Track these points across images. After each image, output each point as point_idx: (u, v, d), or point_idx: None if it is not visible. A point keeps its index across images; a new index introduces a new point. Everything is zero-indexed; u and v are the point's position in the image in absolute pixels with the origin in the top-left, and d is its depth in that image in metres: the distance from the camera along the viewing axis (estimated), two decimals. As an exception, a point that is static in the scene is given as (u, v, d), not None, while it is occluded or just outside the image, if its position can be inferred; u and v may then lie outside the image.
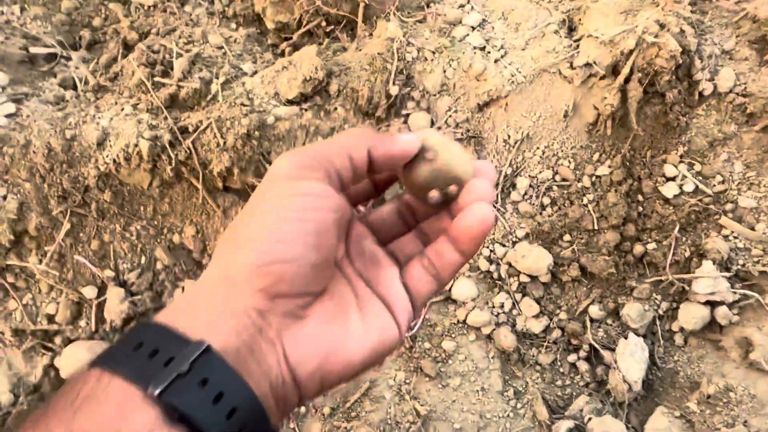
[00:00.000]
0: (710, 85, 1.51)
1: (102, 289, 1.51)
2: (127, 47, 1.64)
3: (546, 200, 1.55)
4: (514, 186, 1.56)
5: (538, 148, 1.55)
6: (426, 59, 1.59)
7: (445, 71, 1.58)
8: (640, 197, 1.56)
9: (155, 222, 1.55)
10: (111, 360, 0.37)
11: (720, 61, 1.54)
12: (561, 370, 1.54)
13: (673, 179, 1.55)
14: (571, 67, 1.51)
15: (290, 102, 1.52)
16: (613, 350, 1.50)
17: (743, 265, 1.48)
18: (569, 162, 1.55)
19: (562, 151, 1.54)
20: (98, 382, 0.36)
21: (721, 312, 1.45)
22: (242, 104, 1.47)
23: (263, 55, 1.68)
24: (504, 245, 1.55)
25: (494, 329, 1.52)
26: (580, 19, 1.55)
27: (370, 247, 0.51)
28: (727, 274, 1.46)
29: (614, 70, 1.47)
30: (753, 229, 1.49)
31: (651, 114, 1.50)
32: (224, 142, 1.41)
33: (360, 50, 1.58)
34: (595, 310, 1.54)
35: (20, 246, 1.47)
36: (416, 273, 0.49)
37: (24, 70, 1.60)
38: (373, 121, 1.56)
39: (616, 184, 1.53)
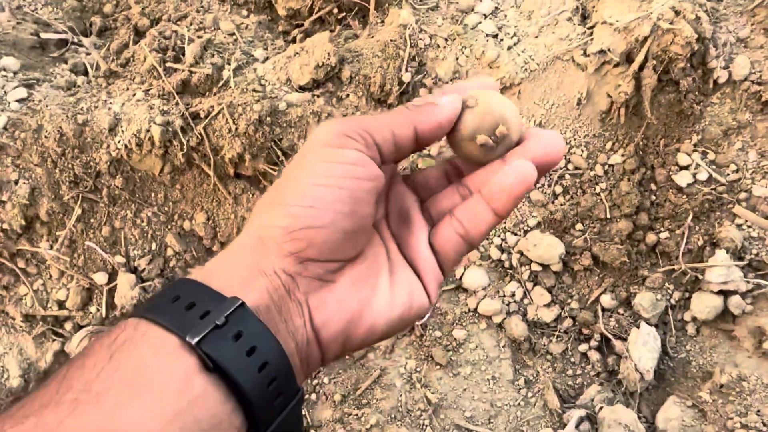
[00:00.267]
0: (725, 73, 1.50)
1: (113, 275, 1.51)
2: (138, 33, 1.64)
3: (558, 189, 1.55)
4: (526, 174, 1.55)
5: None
6: (438, 46, 1.58)
7: (457, 58, 1.57)
8: (653, 186, 1.55)
9: (166, 208, 1.55)
10: (149, 310, 0.38)
11: (735, 49, 1.53)
12: (572, 359, 1.54)
13: (686, 168, 1.54)
14: (585, 54, 1.50)
15: (302, 88, 1.51)
16: (624, 340, 1.49)
17: (757, 255, 1.47)
18: (582, 150, 1.54)
19: (574, 139, 1.53)
20: (136, 329, 0.37)
21: (734, 301, 1.44)
22: (254, 90, 1.47)
23: (275, 41, 1.67)
24: (516, 234, 1.54)
25: (505, 318, 1.51)
26: (594, 6, 1.54)
27: (406, 206, 0.50)
28: (741, 264, 1.45)
29: (628, 57, 1.46)
30: (767, 218, 1.48)
31: (665, 102, 1.49)
32: (236, 128, 1.41)
33: (372, 37, 1.58)
34: (606, 300, 1.53)
35: (31, 231, 1.47)
36: (445, 232, 0.48)
37: (35, 55, 1.59)
38: (385, 108, 1.55)
39: (629, 173, 1.52)
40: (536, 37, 1.58)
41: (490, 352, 1.50)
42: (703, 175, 1.52)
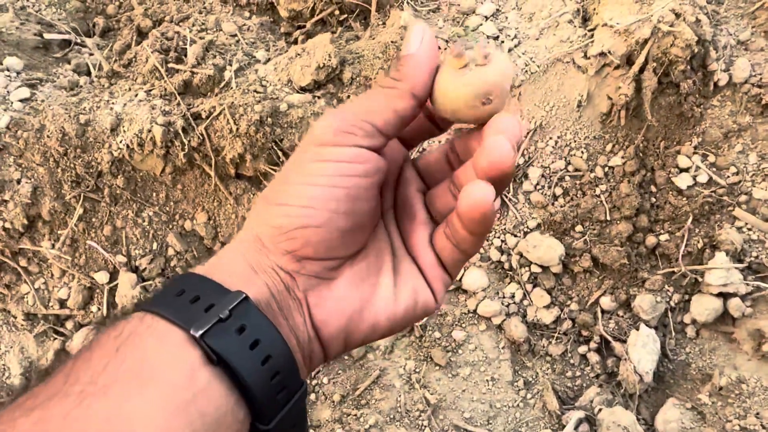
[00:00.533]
0: (725, 75, 1.50)
1: (114, 275, 1.52)
2: (141, 34, 1.65)
3: (558, 190, 1.55)
4: (526, 176, 1.56)
5: (550, 138, 1.54)
6: (439, 48, 1.58)
7: (458, 60, 1.57)
8: (653, 188, 1.55)
9: (167, 208, 1.56)
10: (154, 304, 0.38)
11: (735, 51, 1.53)
12: (571, 361, 1.54)
13: (686, 170, 1.54)
14: (585, 56, 1.50)
15: (303, 89, 1.52)
16: (624, 342, 1.49)
17: (756, 257, 1.47)
18: (582, 152, 1.54)
19: (575, 141, 1.54)
20: (141, 322, 0.37)
21: (734, 304, 1.44)
22: (255, 91, 1.47)
23: (276, 43, 1.68)
24: (515, 235, 1.54)
25: (505, 319, 1.51)
26: (594, 9, 1.55)
27: (411, 196, 0.49)
28: (740, 266, 1.45)
29: (629, 59, 1.46)
30: (767, 221, 1.48)
31: (665, 104, 1.50)
32: (237, 129, 1.42)
33: (373, 39, 1.58)
34: (606, 302, 1.53)
35: (33, 230, 1.47)
36: (441, 241, 0.46)
37: (38, 55, 1.60)
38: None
39: (629, 175, 1.52)
40: (537, 39, 1.58)
41: (490, 353, 1.50)
42: (703, 178, 1.52)
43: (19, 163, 1.42)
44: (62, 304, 1.51)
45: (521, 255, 1.53)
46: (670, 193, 1.53)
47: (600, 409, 1.41)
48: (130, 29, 1.65)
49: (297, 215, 0.41)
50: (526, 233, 1.54)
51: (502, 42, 1.59)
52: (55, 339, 1.51)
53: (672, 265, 1.53)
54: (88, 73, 1.60)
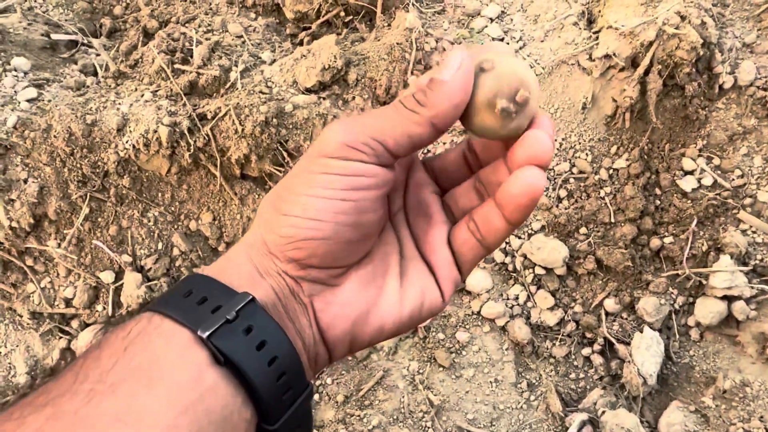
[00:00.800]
0: (731, 78, 1.50)
1: (119, 274, 1.52)
2: (147, 35, 1.66)
3: (563, 192, 1.55)
4: (530, 178, 1.56)
5: (555, 140, 1.54)
6: (444, 50, 1.59)
7: (463, 62, 1.57)
8: (657, 190, 1.55)
9: (173, 208, 1.56)
10: (162, 305, 0.39)
11: (741, 54, 1.53)
12: (575, 363, 1.54)
13: (691, 173, 1.54)
14: (590, 58, 1.51)
15: (308, 90, 1.53)
16: (628, 344, 1.49)
17: (761, 260, 1.46)
18: (587, 154, 1.54)
19: (579, 143, 1.54)
20: (149, 322, 0.38)
21: (738, 307, 1.44)
22: (261, 92, 1.48)
23: (282, 44, 1.69)
24: (519, 237, 1.55)
25: (508, 321, 1.51)
26: (599, 11, 1.55)
27: (426, 199, 0.48)
28: (745, 269, 1.45)
29: (634, 62, 1.46)
30: (772, 224, 1.48)
31: (670, 107, 1.50)
32: (242, 130, 1.42)
33: (378, 40, 1.59)
34: (610, 304, 1.53)
35: (39, 229, 1.48)
36: (462, 236, 0.46)
37: (45, 56, 1.61)
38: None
39: (633, 177, 1.52)
40: (542, 41, 1.58)
41: (493, 354, 1.50)
42: (707, 180, 1.52)
43: (26, 162, 1.43)
44: (68, 303, 1.52)
45: (525, 257, 1.53)
46: (675, 195, 1.53)
47: (603, 412, 1.41)
48: (137, 30, 1.66)
49: (304, 227, 0.41)
50: (530, 235, 1.55)
51: (507, 44, 1.59)
52: (61, 338, 1.52)
53: (676, 267, 1.53)
54: (95, 74, 1.61)
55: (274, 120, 1.44)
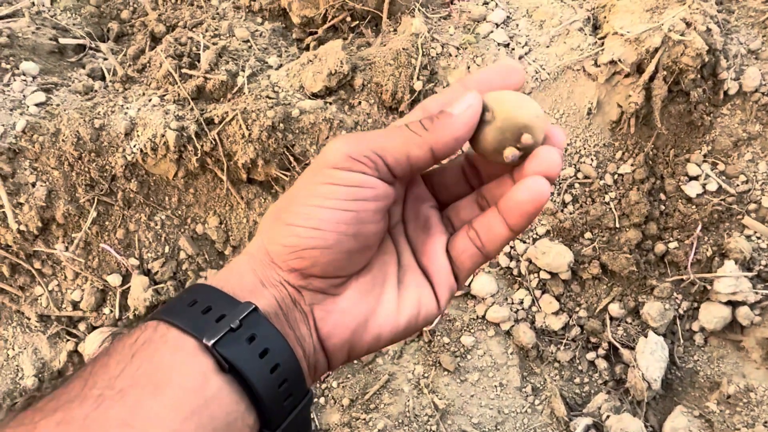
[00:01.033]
0: (735, 84, 1.51)
1: (126, 277, 1.53)
2: (155, 39, 1.67)
3: (568, 197, 1.56)
4: (535, 183, 1.56)
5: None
6: (450, 55, 1.59)
7: (469, 67, 1.58)
8: (662, 196, 1.56)
9: (179, 212, 1.57)
10: (168, 313, 0.40)
11: (746, 60, 1.54)
12: (580, 367, 1.54)
13: (696, 178, 1.54)
14: (596, 64, 1.51)
15: (315, 95, 1.53)
16: (632, 349, 1.50)
17: (766, 266, 1.47)
18: (592, 160, 1.55)
19: (584, 148, 1.54)
20: (155, 331, 0.39)
21: (743, 312, 1.45)
22: (268, 97, 1.49)
23: (288, 49, 1.70)
24: (524, 242, 1.55)
25: (513, 325, 1.52)
26: (605, 17, 1.55)
27: (425, 212, 0.50)
28: (749, 274, 1.46)
29: (639, 68, 1.47)
30: (776, 229, 1.48)
31: (675, 113, 1.50)
32: (249, 134, 1.43)
33: (384, 45, 1.59)
34: (615, 309, 1.54)
35: (47, 233, 1.49)
36: (461, 244, 0.48)
37: (54, 60, 1.62)
38: (397, 116, 1.57)
39: (638, 183, 1.53)
40: (547, 46, 1.59)
41: (498, 358, 1.51)
42: (712, 186, 1.52)
43: (34, 166, 1.44)
44: (75, 306, 1.53)
45: (530, 261, 1.53)
46: (680, 201, 1.54)
47: (608, 416, 1.42)
48: (144, 34, 1.67)
49: (306, 236, 0.42)
50: (535, 240, 1.55)
51: (513, 49, 1.60)
52: (68, 340, 1.53)
53: (681, 272, 1.53)
54: (103, 78, 1.62)
55: (281, 125, 1.45)
